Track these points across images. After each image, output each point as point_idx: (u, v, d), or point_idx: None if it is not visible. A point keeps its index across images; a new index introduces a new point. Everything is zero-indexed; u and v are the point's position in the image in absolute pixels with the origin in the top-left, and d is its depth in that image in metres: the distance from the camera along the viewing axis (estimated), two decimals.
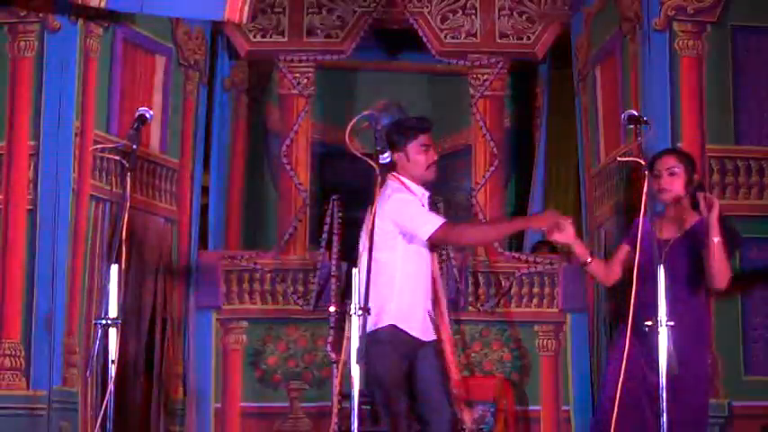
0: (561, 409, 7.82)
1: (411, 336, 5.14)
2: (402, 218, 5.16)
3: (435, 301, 5.35)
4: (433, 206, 5.69)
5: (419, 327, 5.17)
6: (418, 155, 5.28)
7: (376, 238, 5.07)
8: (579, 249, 5.46)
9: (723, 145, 6.73)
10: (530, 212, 8.91)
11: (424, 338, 5.23)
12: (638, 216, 5.18)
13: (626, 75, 7.09)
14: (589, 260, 5.47)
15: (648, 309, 4.83)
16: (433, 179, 5.40)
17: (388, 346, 5.06)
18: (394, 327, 5.12)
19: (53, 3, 6.67)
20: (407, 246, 5.17)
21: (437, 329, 5.31)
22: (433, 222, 5.10)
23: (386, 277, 5.13)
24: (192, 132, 7.87)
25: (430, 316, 5.28)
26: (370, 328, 5.00)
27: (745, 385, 6.52)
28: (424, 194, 5.33)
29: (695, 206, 5.30)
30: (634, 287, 4.80)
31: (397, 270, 5.16)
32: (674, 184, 5.26)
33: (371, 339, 4.79)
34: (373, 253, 5.09)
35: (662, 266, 4.63)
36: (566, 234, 5.27)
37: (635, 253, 5.28)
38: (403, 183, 5.28)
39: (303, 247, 8.13)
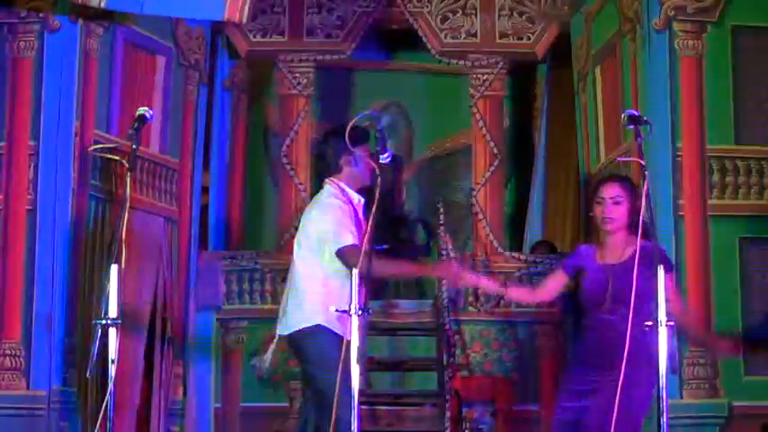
0: None
1: (338, 335, 5.15)
2: (325, 223, 5.21)
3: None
4: (370, 210, 5.64)
5: (346, 327, 5.16)
6: (365, 161, 5.27)
7: (303, 240, 5.26)
8: (489, 286, 5.46)
9: (723, 145, 6.73)
10: (529, 213, 8.91)
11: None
12: (583, 243, 5.19)
13: (626, 75, 7.09)
14: (504, 291, 5.48)
15: (605, 342, 4.93)
16: (371, 186, 5.39)
17: (320, 337, 5.15)
18: (319, 326, 5.17)
19: (53, 3, 6.67)
20: (330, 251, 5.20)
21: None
22: (347, 240, 5.12)
23: (313, 279, 5.22)
24: (192, 132, 7.87)
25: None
26: (297, 327, 5.19)
27: (745, 385, 6.52)
28: (360, 200, 5.35)
29: (635, 233, 5.22)
30: (632, 303, 4.76)
31: (323, 272, 5.21)
32: (618, 212, 5.12)
33: (302, 335, 5.13)
34: (302, 255, 5.26)
35: (661, 267, 4.62)
36: (469, 279, 5.39)
37: (573, 283, 5.28)
38: (342, 188, 5.31)
39: None
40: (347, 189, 5.31)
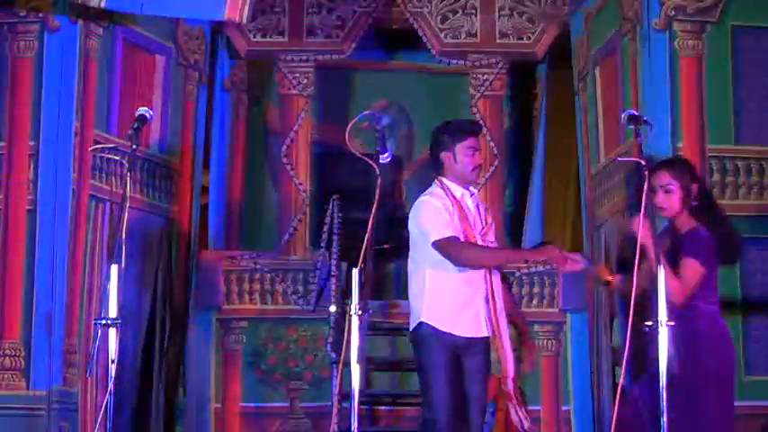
0: (561, 409, 7.81)
1: (447, 332, 5.19)
2: (418, 220, 5.27)
3: (492, 297, 5.34)
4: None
5: (457, 324, 5.20)
6: (466, 156, 5.32)
7: (410, 242, 5.30)
8: (598, 271, 5.31)
9: (723, 145, 6.73)
10: (528, 213, 8.90)
11: (467, 335, 5.25)
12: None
13: (626, 75, 7.09)
14: (610, 278, 5.30)
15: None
16: (476, 181, 5.44)
17: (427, 339, 5.18)
18: (425, 324, 5.19)
19: (53, 3, 6.67)
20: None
21: (492, 325, 5.32)
22: (442, 232, 5.16)
23: (418, 277, 5.26)
24: (191, 132, 7.87)
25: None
26: (410, 329, 5.25)
27: (745, 385, 6.51)
28: (463, 194, 5.36)
29: (699, 213, 5.14)
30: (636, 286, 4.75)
31: (427, 270, 5.23)
32: (671, 201, 5.08)
33: (413, 337, 5.18)
34: (410, 255, 5.31)
35: (661, 267, 4.63)
36: (577, 263, 5.15)
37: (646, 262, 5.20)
38: (444, 186, 5.34)
39: (303, 247, 8.14)
40: (449, 184, 5.32)
